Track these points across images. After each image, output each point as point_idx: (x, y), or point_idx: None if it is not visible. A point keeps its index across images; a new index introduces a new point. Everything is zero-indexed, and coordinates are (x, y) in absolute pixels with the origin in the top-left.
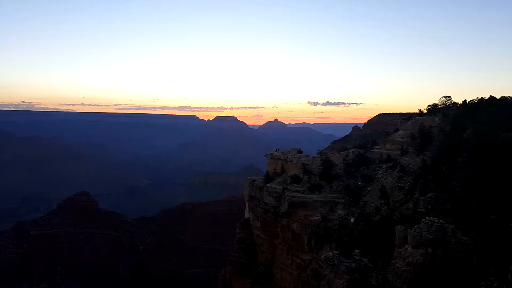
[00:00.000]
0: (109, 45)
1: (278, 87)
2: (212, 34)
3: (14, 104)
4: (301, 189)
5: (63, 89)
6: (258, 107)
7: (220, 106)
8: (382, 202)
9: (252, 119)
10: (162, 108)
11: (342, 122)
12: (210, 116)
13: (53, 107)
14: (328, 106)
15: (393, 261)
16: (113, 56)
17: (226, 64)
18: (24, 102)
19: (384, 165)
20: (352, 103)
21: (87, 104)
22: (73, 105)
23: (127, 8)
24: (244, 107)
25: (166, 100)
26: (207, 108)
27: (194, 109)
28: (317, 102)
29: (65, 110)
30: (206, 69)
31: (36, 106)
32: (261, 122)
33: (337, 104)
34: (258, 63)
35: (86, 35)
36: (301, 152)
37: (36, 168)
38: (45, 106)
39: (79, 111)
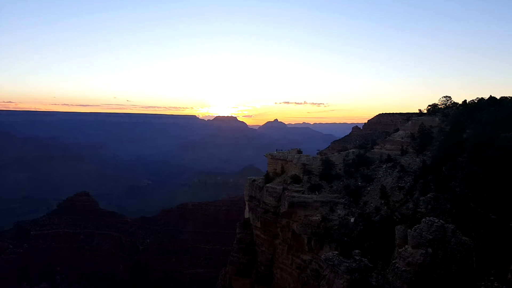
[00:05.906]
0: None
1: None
2: (186, 36)
3: (3, 104)
4: (301, 189)
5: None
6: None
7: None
8: (382, 202)
9: (248, 119)
10: (146, 107)
11: (342, 122)
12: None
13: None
14: (308, 106)
15: (393, 261)
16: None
17: (201, 66)
18: (10, 101)
19: (384, 165)
20: (331, 103)
21: (57, 104)
22: (46, 104)
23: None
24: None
25: (141, 100)
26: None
27: (180, 109)
28: (296, 103)
29: (65, 110)
30: (175, 72)
31: (19, 105)
32: (261, 122)
33: (317, 104)
34: (235, 64)
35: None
36: (301, 152)
37: (36, 168)
38: (31, 106)
39: (65, 111)
